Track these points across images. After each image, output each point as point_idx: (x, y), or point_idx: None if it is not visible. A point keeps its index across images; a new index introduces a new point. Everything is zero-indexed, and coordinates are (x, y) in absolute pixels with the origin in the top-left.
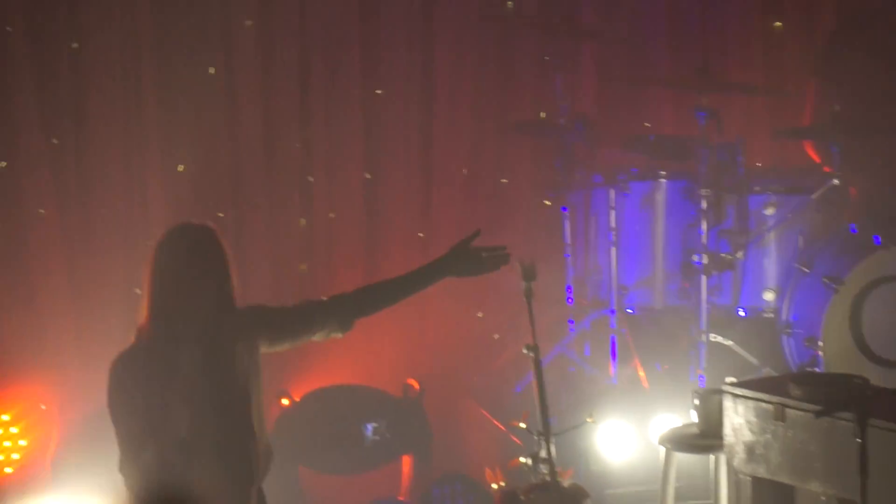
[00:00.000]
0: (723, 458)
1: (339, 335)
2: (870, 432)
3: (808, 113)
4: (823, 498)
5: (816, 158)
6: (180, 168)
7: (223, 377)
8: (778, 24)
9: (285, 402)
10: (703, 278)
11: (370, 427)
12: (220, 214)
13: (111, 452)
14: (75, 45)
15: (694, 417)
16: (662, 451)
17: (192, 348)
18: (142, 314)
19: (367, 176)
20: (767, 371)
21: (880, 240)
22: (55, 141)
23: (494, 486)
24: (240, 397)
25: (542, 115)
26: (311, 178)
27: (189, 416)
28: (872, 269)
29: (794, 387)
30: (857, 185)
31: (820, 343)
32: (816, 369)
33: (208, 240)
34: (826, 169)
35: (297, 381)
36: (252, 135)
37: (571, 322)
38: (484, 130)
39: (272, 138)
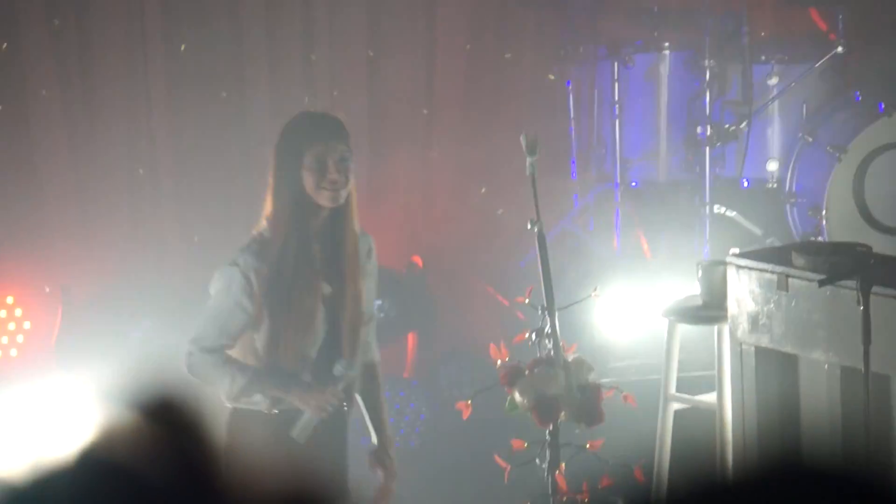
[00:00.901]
0: (726, 328)
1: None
2: (872, 300)
3: None
4: (826, 366)
5: (823, 25)
6: (182, 47)
7: (348, 281)
8: None
9: None
10: (707, 150)
11: (376, 305)
12: (224, 94)
13: (114, 334)
14: None
15: (697, 289)
16: (666, 323)
17: (322, 248)
18: (266, 206)
19: (370, 53)
20: (771, 241)
21: (884, 107)
22: (56, 22)
23: (499, 361)
24: (359, 305)
25: None
26: (313, 57)
27: (310, 317)
28: (876, 137)
29: (798, 256)
30: (862, 52)
31: (823, 212)
32: (820, 238)
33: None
34: (831, 37)
35: None
36: (253, 13)
37: (575, 196)
38: (487, 4)
39: (274, 17)
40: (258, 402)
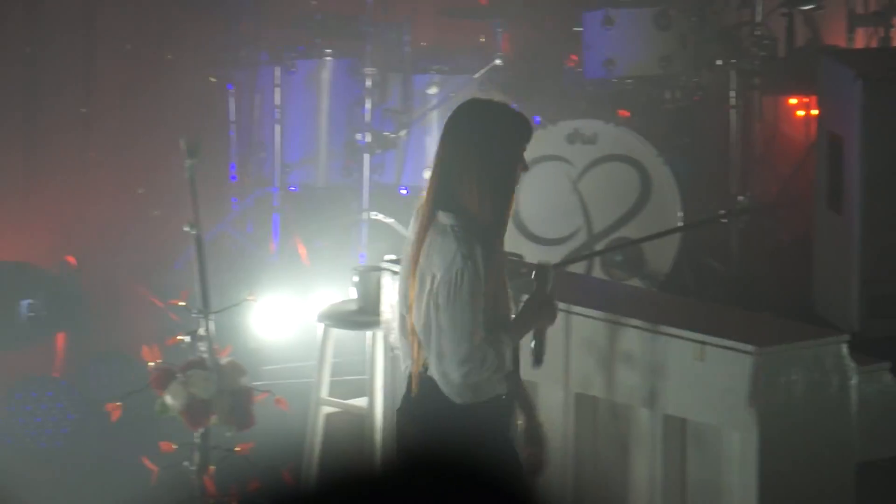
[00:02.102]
0: (380, 334)
1: None
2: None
3: None
4: None
5: (482, 38)
6: None
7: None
8: None
9: None
10: (367, 157)
11: (25, 303)
12: None
13: None
14: None
15: (353, 294)
16: (321, 327)
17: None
18: (465, 193)
19: (27, 49)
20: None
21: (540, 119)
22: None
23: (151, 363)
24: None
25: None
26: None
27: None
28: (530, 148)
29: None
30: (520, 64)
31: None
32: None
33: None
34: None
35: None
36: None
37: (234, 200)
38: (149, 4)
39: None
40: (497, 387)
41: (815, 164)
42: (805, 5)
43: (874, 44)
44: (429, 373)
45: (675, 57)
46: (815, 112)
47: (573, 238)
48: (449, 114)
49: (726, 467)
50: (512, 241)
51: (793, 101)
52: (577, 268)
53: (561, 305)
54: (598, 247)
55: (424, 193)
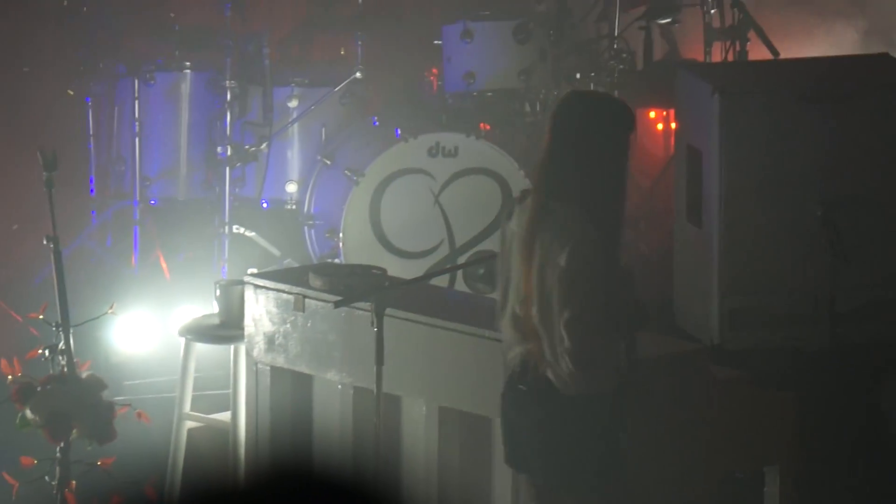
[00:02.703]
0: (242, 348)
1: None
2: (386, 322)
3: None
4: (340, 386)
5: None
6: None
7: None
8: None
9: None
10: (227, 170)
11: None
12: None
13: None
14: None
15: (215, 308)
16: (182, 341)
17: None
18: (588, 186)
19: None
20: (289, 262)
21: (400, 133)
22: None
23: (10, 377)
24: None
25: (65, 1)
26: None
27: None
28: (392, 162)
29: (315, 277)
30: (380, 78)
31: (340, 234)
32: (337, 260)
33: None
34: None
35: None
36: None
37: (94, 213)
38: (3, 15)
39: None
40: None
41: (675, 177)
42: (662, 19)
43: (731, 58)
44: (540, 369)
45: (534, 70)
46: (674, 125)
47: (435, 252)
48: (555, 107)
49: None
50: (373, 255)
51: (652, 114)
52: (440, 281)
53: (413, 317)
54: (461, 260)
55: (533, 185)
